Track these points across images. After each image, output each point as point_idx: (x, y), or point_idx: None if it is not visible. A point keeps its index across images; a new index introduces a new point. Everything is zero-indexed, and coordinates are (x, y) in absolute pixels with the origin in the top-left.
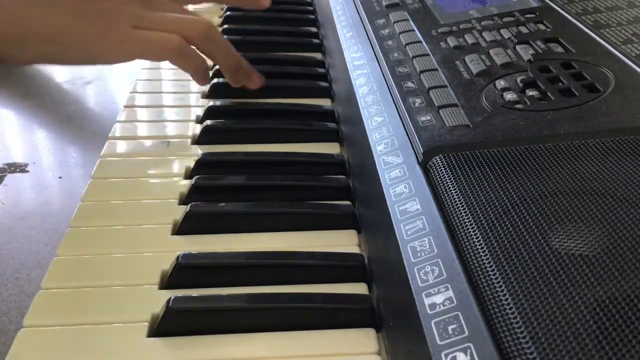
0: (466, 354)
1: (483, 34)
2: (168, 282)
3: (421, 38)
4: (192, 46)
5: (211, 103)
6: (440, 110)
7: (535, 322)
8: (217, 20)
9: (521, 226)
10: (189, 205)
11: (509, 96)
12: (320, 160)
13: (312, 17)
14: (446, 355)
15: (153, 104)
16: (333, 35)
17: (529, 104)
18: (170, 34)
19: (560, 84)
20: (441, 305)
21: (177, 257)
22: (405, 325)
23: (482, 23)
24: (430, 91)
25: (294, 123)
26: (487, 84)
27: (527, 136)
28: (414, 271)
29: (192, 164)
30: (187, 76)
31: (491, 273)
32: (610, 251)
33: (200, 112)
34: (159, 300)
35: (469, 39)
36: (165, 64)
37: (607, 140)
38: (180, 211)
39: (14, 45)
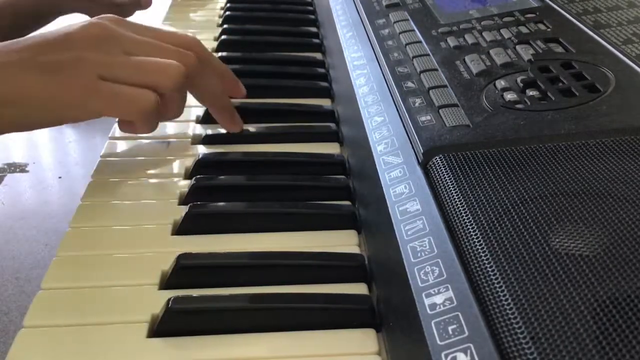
0: (466, 354)
1: (483, 34)
2: (168, 282)
3: (421, 38)
4: (163, 98)
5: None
6: (440, 110)
7: (535, 322)
8: (217, 20)
9: (521, 226)
10: (189, 205)
11: (509, 96)
12: (320, 160)
13: (312, 17)
14: (446, 355)
15: None
16: (333, 35)
17: (529, 104)
18: (142, 89)
19: (561, 84)
20: (441, 306)
21: (177, 257)
22: (405, 325)
23: (482, 23)
24: (430, 91)
25: (294, 123)
26: (487, 84)
27: (527, 136)
28: (414, 271)
29: (192, 164)
30: None
31: (491, 273)
32: (610, 251)
33: (200, 112)
34: (159, 300)
35: (469, 39)
36: None
37: (607, 140)
38: (180, 211)
39: None
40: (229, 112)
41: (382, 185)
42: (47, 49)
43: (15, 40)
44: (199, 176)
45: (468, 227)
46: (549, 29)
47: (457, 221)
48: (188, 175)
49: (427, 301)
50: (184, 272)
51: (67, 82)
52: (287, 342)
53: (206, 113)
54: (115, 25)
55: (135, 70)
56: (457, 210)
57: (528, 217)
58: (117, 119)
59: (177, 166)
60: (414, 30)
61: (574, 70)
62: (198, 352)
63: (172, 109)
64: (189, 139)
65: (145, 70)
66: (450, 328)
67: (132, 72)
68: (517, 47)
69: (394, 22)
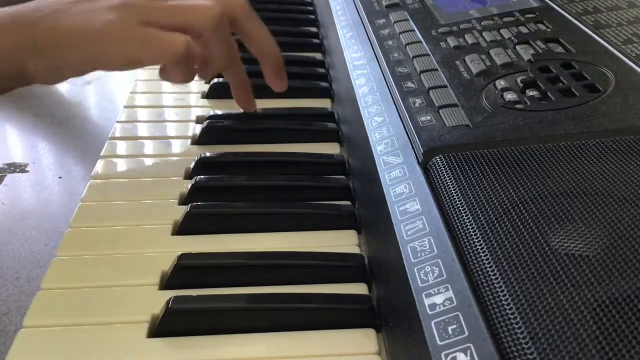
0: (466, 354)
1: (483, 34)
2: (168, 282)
3: (421, 38)
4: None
5: (211, 106)
6: (440, 110)
7: (535, 322)
8: None
9: (521, 226)
10: (189, 205)
11: (509, 96)
12: (320, 160)
13: (312, 17)
14: (446, 355)
15: (153, 104)
16: (333, 35)
17: (529, 104)
18: (174, 32)
19: (561, 84)
20: (441, 306)
21: (177, 257)
22: (405, 325)
23: (482, 23)
24: (430, 91)
25: (294, 123)
26: (487, 84)
27: (527, 136)
28: (414, 271)
29: (192, 164)
30: None
31: (491, 273)
32: (610, 251)
33: (200, 112)
34: (159, 300)
35: (469, 39)
36: None
37: (607, 140)
38: (180, 211)
39: (30, 55)
40: (279, 67)
41: (382, 185)
42: None
43: None
44: (199, 176)
45: (468, 227)
46: (549, 29)
47: (457, 221)
48: (188, 175)
49: (427, 301)
50: (184, 272)
51: (106, 27)
52: (287, 342)
53: (212, 86)
54: None
55: (168, 13)
56: (457, 210)
57: (528, 217)
58: (119, 120)
59: (177, 166)
60: (414, 30)
61: (574, 70)
62: (198, 352)
63: (215, 53)
64: (189, 139)
65: (177, 12)
66: (450, 328)
67: (165, 15)
68: (517, 47)
69: (394, 22)
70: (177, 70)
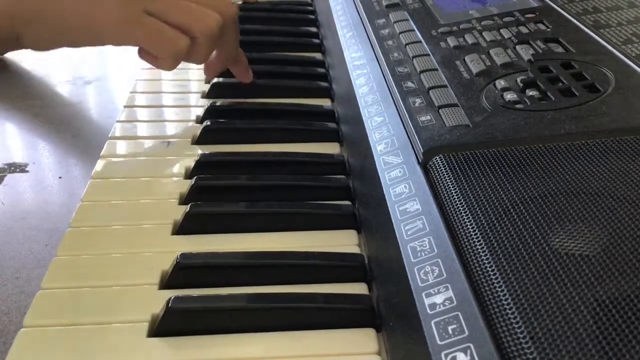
0: (466, 354)
1: (483, 34)
2: (168, 282)
3: (421, 38)
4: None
5: (211, 103)
6: (440, 110)
7: (535, 322)
8: None
9: (521, 226)
10: (189, 205)
11: (509, 96)
12: (320, 160)
13: (312, 17)
14: (446, 355)
15: (153, 104)
16: (333, 35)
17: (529, 104)
18: (179, 32)
19: (561, 84)
20: (441, 305)
21: (177, 257)
22: (405, 325)
23: (482, 23)
24: (430, 91)
25: (294, 123)
26: (487, 84)
27: (527, 136)
28: (414, 271)
29: (192, 164)
30: (187, 76)
31: (491, 273)
32: (610, 251)
33: (200, 112)
34: (159, 300)
35: (469, 39)
36: None
37: (607, 140)
38: (180, 211)
39: (28, 26)
40: (245, 65)
41: (382, 185)
42: None
43: None
44: (199, 176)
45: (468, 227)
46: (548, 29)
47: (457, 221)
48: (188, 175)
49: (427, 301)
50: (184, 272)
51: (113, 11)
52: (287, 342)
53: (213, 86)
54: None
55: (179, 13)
56: (457, 210)
57: (528, 217)
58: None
59: (177, 166)
60: (414, 30)
61: (574, 70)
62: (198, 352)
63: (199, 55)
64: (189, 139)
65: (188, 15)
66: (450, 328)
67: (176, 14)
68: (517, 47)
69: (394, 22)
70: (168, 63)
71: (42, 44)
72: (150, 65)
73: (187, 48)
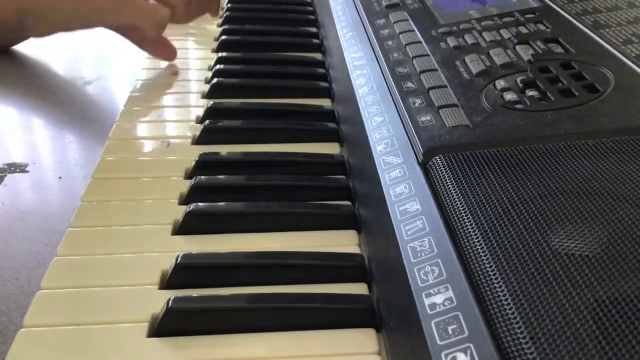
0: (466, 354)
1: (483, 34)
2: (168, 282)
3: (421, 38)
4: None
5: (211, 103)
6: (440, 111)
7: (535, 322)
8: (216, 20)
9: (521, 226)
10: (189, 205)
11: (509, 96)
12: (320, 160)
13: (312, 17)
14: (446, 355)
15: (153, 104)
16: (333, 35)
17: (529, 104)
18: (158, 4)
19: (560, 84)
20: (441, 306)
21: (177, 257)
22: (405, 325)
23: (482, 23)
24: (430, 91)
25: (294, 123)
26: (487, 84)
27: (527, 136)
28: (414, 271)
29: (192, 164)
30: (187, 76)
31: (491, 273)
32: (610, 251)
33: (200, 112)
34: (159, 300)
35: (469, 39)
36: (166, 64)
37: (607, 140)
38: (180, 211)
39: (31, 14)
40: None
41: (382, 185)
42: None
43: None
44: (199, 176)
45: (468, 227)
46: (548, 29)
47: (457, 221)
48: (188, 175)
49: (427, 301)
50: (184, 272)
51: None
52: (287, 342)
53: (213, 86)
54: None
55: None
56: (457, 210)
57: (528, 217)
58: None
59: (177, 166)
60: (413, 31)
61: (573, 71)
62: (198, 352)
63: (180, 18)
64: (189, 139)
65: None
66: (450, 328)
67: None
68: (517, 47)
69: (394, 23)
70: (157, 32)
71: (45, 30)
72: (150, 65)
73: (168, 15)
